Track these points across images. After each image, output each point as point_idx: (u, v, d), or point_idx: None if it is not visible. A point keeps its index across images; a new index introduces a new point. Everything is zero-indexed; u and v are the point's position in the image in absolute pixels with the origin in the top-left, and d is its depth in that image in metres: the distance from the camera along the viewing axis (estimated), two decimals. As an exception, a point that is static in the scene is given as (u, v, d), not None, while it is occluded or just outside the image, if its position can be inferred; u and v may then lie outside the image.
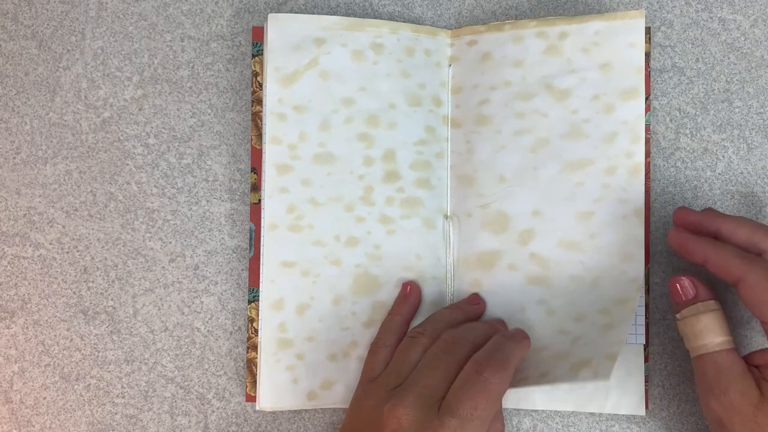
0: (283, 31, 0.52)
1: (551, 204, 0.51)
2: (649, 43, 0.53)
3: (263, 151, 0.52)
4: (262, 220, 0.52)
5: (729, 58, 0.54)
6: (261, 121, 0.53)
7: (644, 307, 0.51)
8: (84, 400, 0.53)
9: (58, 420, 0.53)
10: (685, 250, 0.46)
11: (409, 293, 0.51)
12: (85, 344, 0.53)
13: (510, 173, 0.52)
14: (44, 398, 0.53)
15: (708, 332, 0.45)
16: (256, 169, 0.53)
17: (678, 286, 0.46)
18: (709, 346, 0.45)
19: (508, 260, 0.51)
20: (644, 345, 0.52)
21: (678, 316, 0.46)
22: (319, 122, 0.52)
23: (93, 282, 0.54)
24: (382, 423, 0.43)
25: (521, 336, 0.47)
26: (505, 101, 0.52)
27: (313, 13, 0.55)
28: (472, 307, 0.51)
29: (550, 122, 0.51)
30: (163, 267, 0.54)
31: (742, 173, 0.54)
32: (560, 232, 0.51)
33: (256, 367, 0.52)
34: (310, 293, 0.51)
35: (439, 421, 0.41)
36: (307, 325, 0.51)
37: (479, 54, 0.52)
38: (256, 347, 0.52)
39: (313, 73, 0.52)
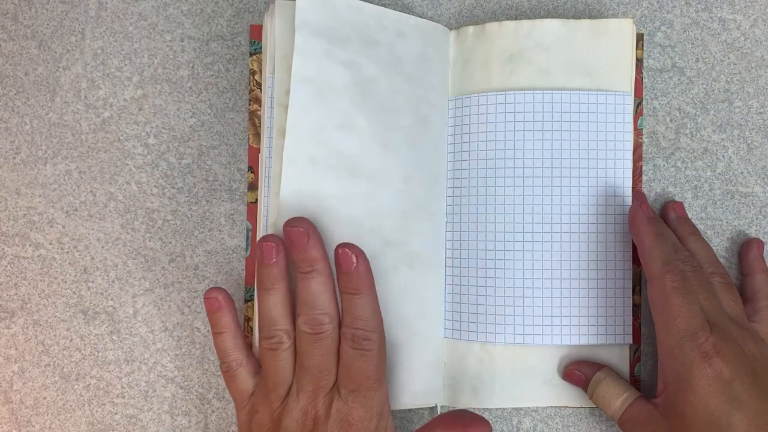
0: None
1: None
2: (642, 49, 0.53)
3: (261, 146, 0.51)
4: (261, 219, 0.52)
5: (729, 58, 0.54)
6: (258, 119, 0.53)
7: (631, 308, 0.52)
8: (84, 400, 0.53)
9: (58, 420, 0.53)
10: (631, 225, 0.49)
11: (222, 304, 0.48)
12: (85, 344, 0.53)
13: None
14: (44, 398, 0.53)
15: (608, 401, 0.49)
16: (253, 168, 0.53)
17: (571, 378, 0.51)
18: (616, 411, 0.49)
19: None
20: (638, 346, 0.52)
21: (588, 397, 0.51)
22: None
23: (93, 282, 0.54)
24: (296, 428, 0.45)
25: (362, 278, 0.45)
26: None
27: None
28: (272, 270, 0.46)
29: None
30: (163, 267, 0.54)
31: (742, 173, 0.54)
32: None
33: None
34: None
35: (346, 401, 0.44)
36: None
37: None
38: (252, 346, 0.52)
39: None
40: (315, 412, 0.45)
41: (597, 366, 0.51)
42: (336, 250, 0.45)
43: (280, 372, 0.46)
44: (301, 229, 0.45)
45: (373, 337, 0.45)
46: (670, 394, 0.45)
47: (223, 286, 0.53)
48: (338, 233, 0.49)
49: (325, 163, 0.49)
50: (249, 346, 0.52)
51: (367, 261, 0.46)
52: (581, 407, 0.52)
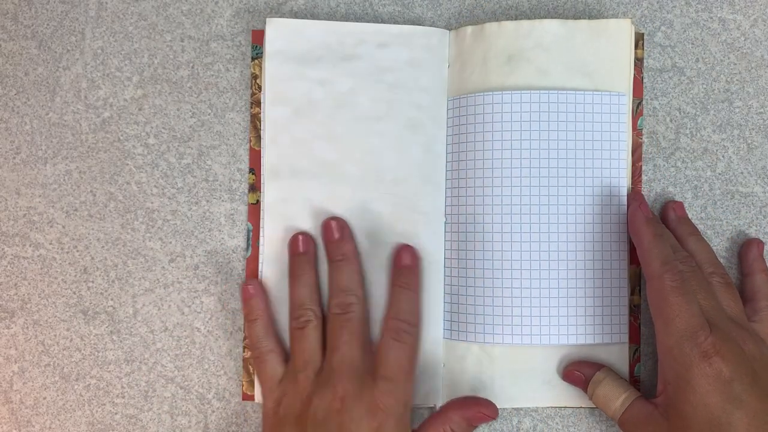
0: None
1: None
2: (642, 48, 0.53)
3: (263, 146, 0.52)
4: (261, 221, 0.52)
5: (729, 58, 0.54)
6: (260, 122, 0.53)
7: (627, 307, 0.52)
8: (84, 400, 0.53)
9: (58, 420, 0.53)
10: (631, 226, 0.50)
11: (256, 292, 0.51)
12: (85, 344, 0.53)
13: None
14: (44, 398, 0.53)
15: (608, 401, 0.49)
16: (255, 170, 0.53)
17: (570, 379, 0.51)
18: (616, 411, 0.48)
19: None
20: (637, 346, 0.52)
21: (588, 397, 0.50)
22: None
23: (93, 282, 0.54)
24: (325, 406, 0.46)
25: (415, 277, 0.51)
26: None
27: (313, 14, 0.55)
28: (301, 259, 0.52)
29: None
30: (163, 267, 0.54)
31: (742, 173, 0.54)
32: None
33: (252, 366, 0.52)
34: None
35: (375, 386, 0.47)
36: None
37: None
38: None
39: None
40: (344, 392, 0.47)
41: (596, 366, 0.50)
42: (398, 247, 0.51)
43: (308, 349, 0.49)
44: (336, 222, 0.51)
45: (413, 332, 0.49)
46: (669, 394, 0.45)
47: (223, 286, 0.53)
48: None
49: (308, 172, 0.52)
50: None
51: (421, 263, 0.51)
52: (581, 407, 0.52)
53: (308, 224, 0.52)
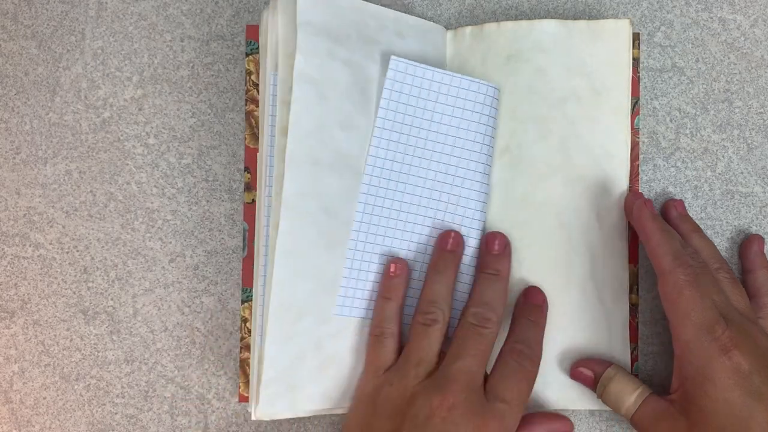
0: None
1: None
2: (638, 48, 0.53)
3: (259, 146, 0.51)
4: (259, 219, 0.51)
5: (729, 58, 0.54)
6: (255, 120, 0.53)
7: (627, 307, 0.52)
8: (84, 400, 0.53)
9: (58, 420, 0.53)
10: (637, 223, 0.49)
11: (397, 272, 0.49)
12: (85, 344, 0.54)
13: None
14: (44, 398, 0.53)
15: (621, 398, 0.48)
16: (250, 168, 0.53)
17: (579, 378, 0.51)
18: (629, 408, 0.48)
19: None
20: (635, 345, 0.52)
21: (597, 395, 0.50)
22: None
23: (93, 282, 0.54)
24: (429, 411, 0.44)
25: (544, 315, 0.50)
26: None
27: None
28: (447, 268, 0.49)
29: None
30: (163, 267, 0.54)
31: (742, 173, 0.54)
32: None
33: (249, 367, 0.52)
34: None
35: (489, 406, 0.45)
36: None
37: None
38: (249, 347, 0.52)
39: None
40: (454, 402, 0.44)
41: (605, 363, 0.50)
42: (525, 291, 0.51)
43: (426, 348, 0.47)
44: (500, 238, 0.50)
45: (536, 360, 0.48)
46: (688, 390, 0.45)
47: (223, 286, 0.53)
48: (341, 234, 0.49)
49: (327, 162, 0.49)
50: (247, 347, 0.52)
51: (547, 301, 0.51)
52: (581, 408, 0.52)
53: (323, 222, 0.49)
